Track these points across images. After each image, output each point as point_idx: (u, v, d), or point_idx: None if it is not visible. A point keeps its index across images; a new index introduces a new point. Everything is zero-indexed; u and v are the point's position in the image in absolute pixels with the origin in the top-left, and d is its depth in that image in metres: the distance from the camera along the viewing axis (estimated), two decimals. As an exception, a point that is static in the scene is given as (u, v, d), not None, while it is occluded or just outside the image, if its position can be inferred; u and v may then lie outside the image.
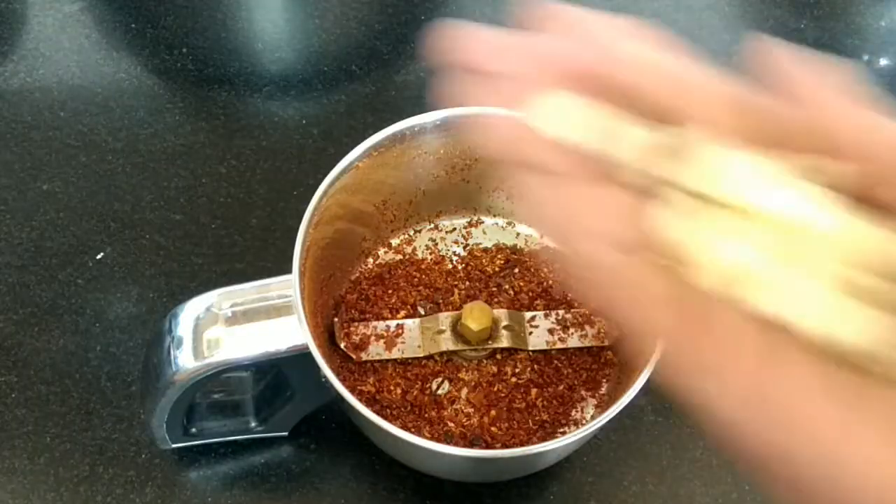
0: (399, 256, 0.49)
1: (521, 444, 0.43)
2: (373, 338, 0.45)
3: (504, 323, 0.45)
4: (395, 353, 0.45)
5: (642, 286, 0.21)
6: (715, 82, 0.22)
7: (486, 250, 0.49)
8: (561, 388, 0.45)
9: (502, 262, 0.49)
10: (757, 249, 0.19)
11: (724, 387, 0.20)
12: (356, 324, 0.46)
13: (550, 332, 0.46)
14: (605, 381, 0.45)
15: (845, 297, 0.18)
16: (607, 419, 0.38)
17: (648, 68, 0.22)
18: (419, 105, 0.58)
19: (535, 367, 0.45)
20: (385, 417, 0.38)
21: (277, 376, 0.44)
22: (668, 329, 0.20)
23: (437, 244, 0.50)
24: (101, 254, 0.52)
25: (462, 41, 0.22)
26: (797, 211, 0.18)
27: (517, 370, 0.45)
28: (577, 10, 0.22)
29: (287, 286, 0.39)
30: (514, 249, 0.49)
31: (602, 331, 0.46)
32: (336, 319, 0.46)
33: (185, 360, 0.38)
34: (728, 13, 0.67)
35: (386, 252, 0.49)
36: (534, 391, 0.45)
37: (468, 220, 0.50)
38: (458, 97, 0.22)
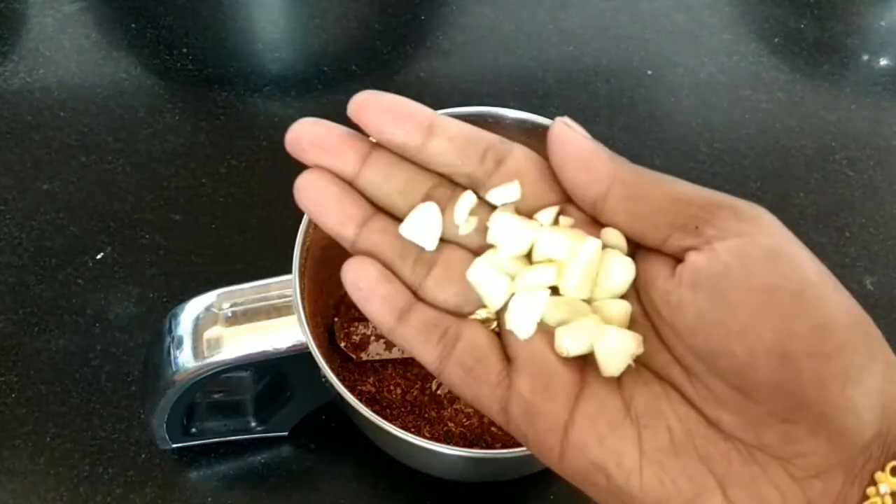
0: (399, 256, 0.49)
1: (522, 444, 0.43)
2: (373, 337, 0.45)
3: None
4: (396, 353, 0.45)
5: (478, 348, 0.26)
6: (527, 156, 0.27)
7: (486, 250, 0.49)
8: (561, 388, 0.45)
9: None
10: (540, 291, 0.25)
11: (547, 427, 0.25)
12: (356, 323, 0.46)
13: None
14: (605, 381, 0.45)
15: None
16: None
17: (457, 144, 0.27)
18: (419, 105, 0.58)
19: (536, 367, 0.45)
20: (385, 417, 0.38)
21: (277, 376, 0.44)
22: (497, 383, 0.25)
23: (437, 244, 0.50)
24: (101, 254, 0.52)
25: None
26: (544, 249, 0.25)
27: (517, 370, 0.45)
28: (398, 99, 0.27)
29: (287, 286, 0.39)
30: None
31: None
32: (336, 319, 0.46)
33: (185, 360, 0.38)
34: (728, 13, 0.67)
35: (386, 252, 0.49)
36: (534, 391, 0.44)
37: (468, 220, 0.50)
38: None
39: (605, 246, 0.25)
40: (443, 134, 0.26)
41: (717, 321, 0.22)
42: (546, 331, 0.25)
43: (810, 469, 0.22)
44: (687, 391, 0.24)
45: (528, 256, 0.26)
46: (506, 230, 0.26)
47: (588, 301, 0.26)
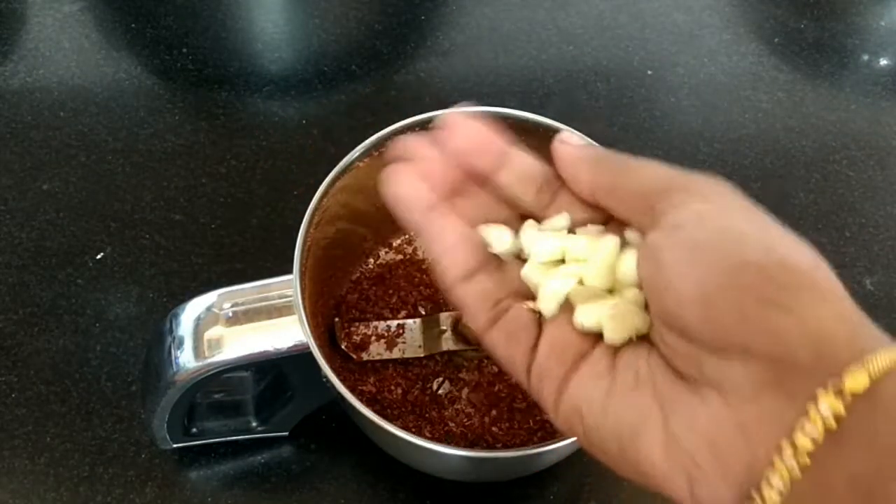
0: (400, 256, 0.49)
1: (522, 445, 0.43)
2: (373, 338, 0.45)
3: (504, 323, 0.45)
4: (396, 353, 0.45)
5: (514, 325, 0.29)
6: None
7: (486, 250, 0.49)
8: (561, 388, 0.45)
9: (503, 262, 0.49)
10: (566, 279, 0.29)
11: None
12: (357, 324, 0.46)
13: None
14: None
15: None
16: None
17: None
18: (419, 105, 0.58)
19: (536, 367, 0.45)
20: (386, 417, 0.38)
21: (278, 376, 0.44)
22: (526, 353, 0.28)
23: (437, 244, 0.50)
24: (101, 254, 0.52)
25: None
26: (572, 250, 0.29)
27: (518, 370, 0.45)
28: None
29: (288, 286, 0.39)
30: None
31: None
32: (337, 319, 0.46)
33: (186, 360, 0.38)
34: (728, 13, 0.67)
35: (387, 252, 0.49)
36: (534, 391, 0.45)
37: (468, 220, 0.50)
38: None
39: (627, 243, 0.29)
40: (510, 168, 0.30)
41: (654, 285, 0.25)
42: (572, 311, 0.29)
43: (744, 395, 0.23)
44: (661, 350, 0.26)
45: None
46: (534, 240, 0.30)
47: (611, 290, 0.29)
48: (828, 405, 0.22)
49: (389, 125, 0.44)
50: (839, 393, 0.22)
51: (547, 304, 0.29)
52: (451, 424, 0.44)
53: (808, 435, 0.22)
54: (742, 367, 0.23)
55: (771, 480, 0.22)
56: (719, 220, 0.25)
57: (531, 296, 0.30)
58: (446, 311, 0.46)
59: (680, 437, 0.24)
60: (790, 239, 0.25)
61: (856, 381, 0.22)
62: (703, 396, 0.24)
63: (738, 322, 0.23)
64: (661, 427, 0.25)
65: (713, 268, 0.24)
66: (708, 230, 0.25)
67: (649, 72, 0.63)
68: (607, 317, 0.27)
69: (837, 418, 0.22)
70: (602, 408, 0.26)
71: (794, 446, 0.22)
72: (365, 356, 0.45)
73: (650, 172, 0.27)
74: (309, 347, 0.38)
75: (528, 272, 0.30)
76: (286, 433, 0.46)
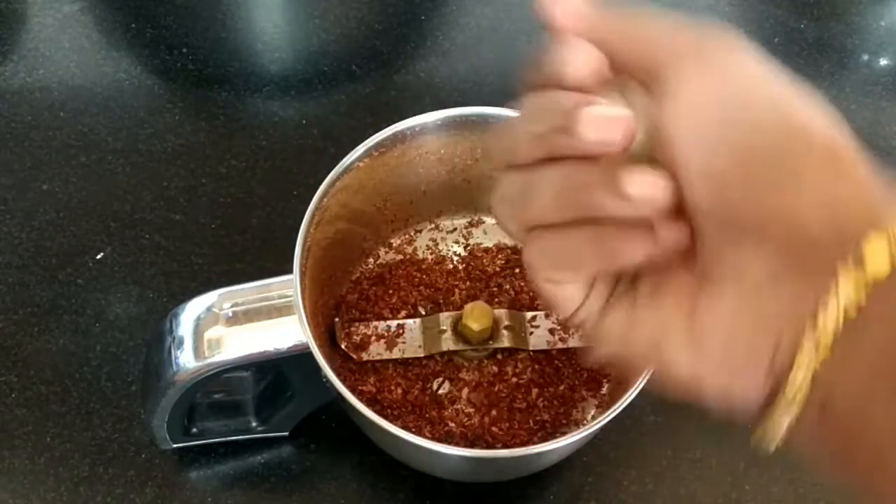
0: (400, 256, 0.49)
1: (522, 445, 0.43)
2: (373, 338, 0.45)
3: (505, 323, 0.45)
4: (396, 353, 0.45)
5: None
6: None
7: (486, 250, 0.49)
8: (562, 388, 0.45)
9: (503, 261, 0.49)
10: None
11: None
12: (357, 324, 0.46)
13: (551, 331, 0.46)
14: (605, 381, 0.45)
15: None
16: (608, 419, 0.38)
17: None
18: (419, 105, 0.58)
19: (536, 367, 0.45)
20: (386, 417, 0.38)
21: (278, 376, 0.44)
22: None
23: (437, 244, 0.50)
24: (101, 254, 0.52)
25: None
26: None
27: (518, 370, 0.45)
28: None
29: (288, 286, 0.39)
30: (515, 249, 0.49)
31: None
32: (337, 319, 0.46)
33: (186, 360, 0.38)
34: (728, 13, 0.67)
35: (386, 252, 0.49)
36: (534, 391, 0.45)
37: (469, 219, 0.50)
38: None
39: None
40: None
41: (662, 164, 0.23)
42: None
43: (761, 283, 0.22)
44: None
45: None
46: None
47: None
48: (849, 281, 0.21)
49: (389, 125, 0.44)
50: (860, 266, 0.21)
51: None
52: (451, 424, 0.44)
53: (830, 314, 0.21)
54: (756, 254, 0.22)
55: (798, 365, 0.22)
56: (730, 86, 0.23)
57: None
58: (446, 311, 0.46)
59: (703, 340, 0.23)
60: (807, 104, 0.23)
61: (875, 248, 0.21)
62: (721, 293, 0.23)
63: (750, 201, 0.22)
64: (684, 333, 0.24)
65: (723, 141, 0.22)
66: (718, 98, 0.23)
67: (649, 72, 0.63)
68: None
69: (859, 302, 0.21)
70: (628, 323, 0.25)
71: (817, 327, 0.21)
72: (365, 356, 0.45)
73: (656, 29, 0.25)
74: (309, 347, 0.38)
75: None
76: (286, 433, 0.46)
